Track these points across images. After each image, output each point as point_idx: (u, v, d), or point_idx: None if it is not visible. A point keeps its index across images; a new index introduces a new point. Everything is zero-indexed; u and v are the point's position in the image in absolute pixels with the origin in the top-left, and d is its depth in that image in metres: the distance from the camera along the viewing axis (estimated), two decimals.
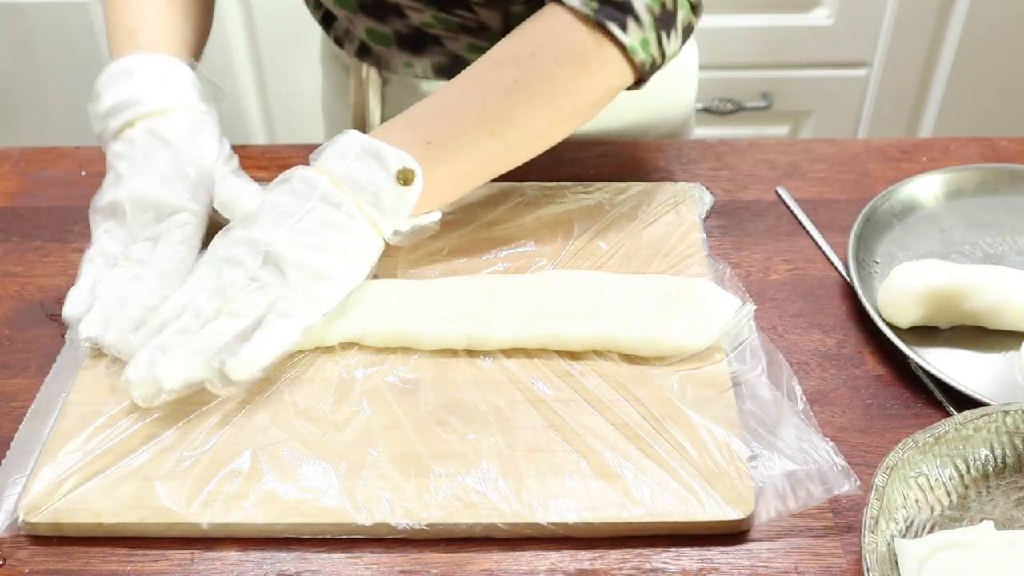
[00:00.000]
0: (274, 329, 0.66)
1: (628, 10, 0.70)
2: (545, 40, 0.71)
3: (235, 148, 0.94)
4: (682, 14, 0.74)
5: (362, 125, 1.01)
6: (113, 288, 0.71)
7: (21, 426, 0.66)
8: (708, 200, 0.84)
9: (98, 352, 0.70)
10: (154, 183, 0.73)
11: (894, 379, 0.71)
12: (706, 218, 0.83)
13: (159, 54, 0.79)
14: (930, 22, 1.74)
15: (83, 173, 0.91)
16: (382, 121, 0.99)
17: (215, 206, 0.74)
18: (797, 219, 0.85)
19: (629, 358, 0.69)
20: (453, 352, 0.70)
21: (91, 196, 0.88)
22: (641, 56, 0.72)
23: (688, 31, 0.76)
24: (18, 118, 1.87)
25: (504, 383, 0.68)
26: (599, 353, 0.70)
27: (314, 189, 0.70)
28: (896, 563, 0.57)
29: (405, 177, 0.69)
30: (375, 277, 0.76)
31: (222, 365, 0.64)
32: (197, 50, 0.86)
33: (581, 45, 0.71)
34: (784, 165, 0.91)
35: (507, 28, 0.87)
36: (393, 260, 0.77)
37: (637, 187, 0.85)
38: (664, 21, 0.72)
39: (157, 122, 0.75)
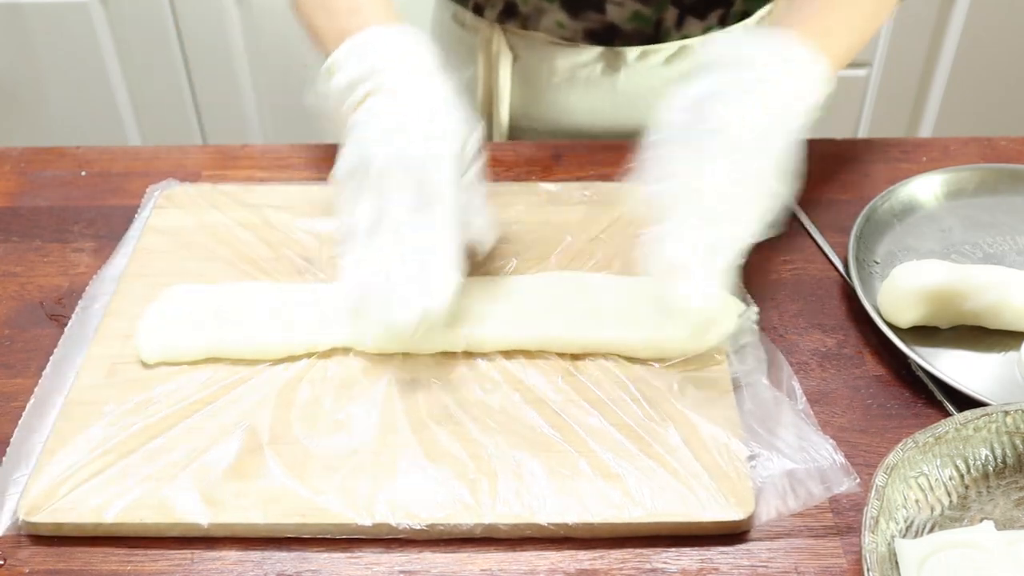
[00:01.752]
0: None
1: None
2: None
3: (235, 148, 0.94)
4: None
5: (489, 103, 1.00)
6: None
7: (19, 424, 0.66)
8: None
9: (98, 351, 0.70)
10: (411, 145, 0.68)
11: (894, 379, 0.71)
12: None
13: (395, 25, 0.74)
14: (930, 22, 1.74)
15: (83, 173, 0.91)
16: (512, 99, 0.99)
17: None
18: (798, 219, 0.85)
19: (630, 358, 0.69)
20: (452, 353, 0.70)
21: (91, 196, 0.88)
22: None
23: None
24: (18, 118, 1.87)
25: (504, 383, 0.68)
26: (600, 353, 0.69)
27: (750, 91, 0.69)
28: (896, 563, 0.57)
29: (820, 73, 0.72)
30: None
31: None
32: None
33: None
34: None
35: None
36: None
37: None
38: None
39: (406, 88, 0.71)
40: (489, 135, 1.03)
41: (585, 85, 0.96)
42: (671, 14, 0.92)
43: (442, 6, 1.04)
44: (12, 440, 0.65)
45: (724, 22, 0.94)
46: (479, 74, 1.00)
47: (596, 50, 0.95)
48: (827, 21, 0.75)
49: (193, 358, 0.69)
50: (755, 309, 0.70)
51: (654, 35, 0.94)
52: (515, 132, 1.03)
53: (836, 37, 0.75)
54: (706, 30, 0.94)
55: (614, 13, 0.92)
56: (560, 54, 0.95)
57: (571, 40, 0.95)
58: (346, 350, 0.70)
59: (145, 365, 0.69)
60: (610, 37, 0.94)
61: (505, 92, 0.99)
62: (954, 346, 0.72)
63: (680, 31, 0.94)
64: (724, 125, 0.67)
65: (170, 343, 0.69)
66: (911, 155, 0.92)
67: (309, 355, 0.70)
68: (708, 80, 0.70)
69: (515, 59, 0.98)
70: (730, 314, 0.70)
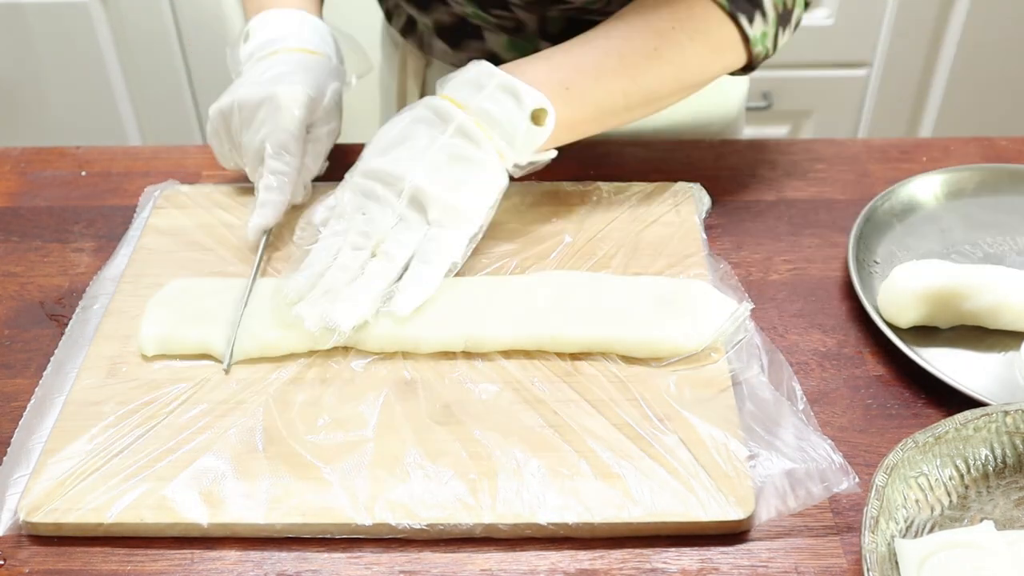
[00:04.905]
0: (420, 277, 0.70)
1: (757, 5, 0.77)
2: (683, 17, 0.76)
3: None
4: (797, 12, 0.81)
5: (403, 104, 1.02)
6: None
7: (19, 424, 0.66)
8: (708, 200, 0.84)
9: (98, 351, 0.70)
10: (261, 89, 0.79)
11: (894, 379, 0.71)
12: (706, 218, 0.83)
13: (293, 9, 0.86)
14: (930, 22, 1.74)
15: (83, 173, 0.91)
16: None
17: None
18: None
19: (628, 358, 0.69)
20: (452, 353, 0.70)
21: (91, 196, 0.88)
22: (759, 48, 0.79)
23: (796, 27, 0.82)
24: (18, 118, 1.87)
25: (503, 383, 0.68)
26: (599, 353, 0.70)
27: (448, 121, 0.72)
28: (896, 563, 0.57)
29: (537, 117, 0.72)
30: None
31: (385, 307, 0.69)
32: (318, 8, 0.91)
33: (715, 29, 0.77)
34: (784, 165, 0.91)
35: (543, 29, 0.89)
36: None
37: (637, 187, 0.85)
38: (784, 18, 0.79)
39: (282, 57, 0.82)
40: None
41: None
42: (545, 47, 0.91)
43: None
44: (12, 440, 0.65)
45: None
46: (395, 76, 1.01)
47: None
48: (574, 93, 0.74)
49: (192, 351, 0.70)
50: (748, 305, 0.70)
51: None
52: None
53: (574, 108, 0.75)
54: None
55: (492, 41, 0.91)
56: None
57: (459, 67, 0.95)
58: (346, 349, 0.70)
59: (145, 357, 0.70)
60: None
61: (414, 95, 1.00)
62: (954, 346, 0.72)
63: None
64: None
65: (170, 336, 0.70)
66: (911, 155, 0.92)
67: (310, 354, 0.70)
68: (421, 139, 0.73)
69: (427, 64, 0.99)
70: (723, 312, 0.70)
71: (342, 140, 0.88)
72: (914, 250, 0.80)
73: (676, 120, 0.98)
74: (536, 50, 0.91)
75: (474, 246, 0.74)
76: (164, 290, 0.74)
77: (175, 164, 0.92)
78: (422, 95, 1.00)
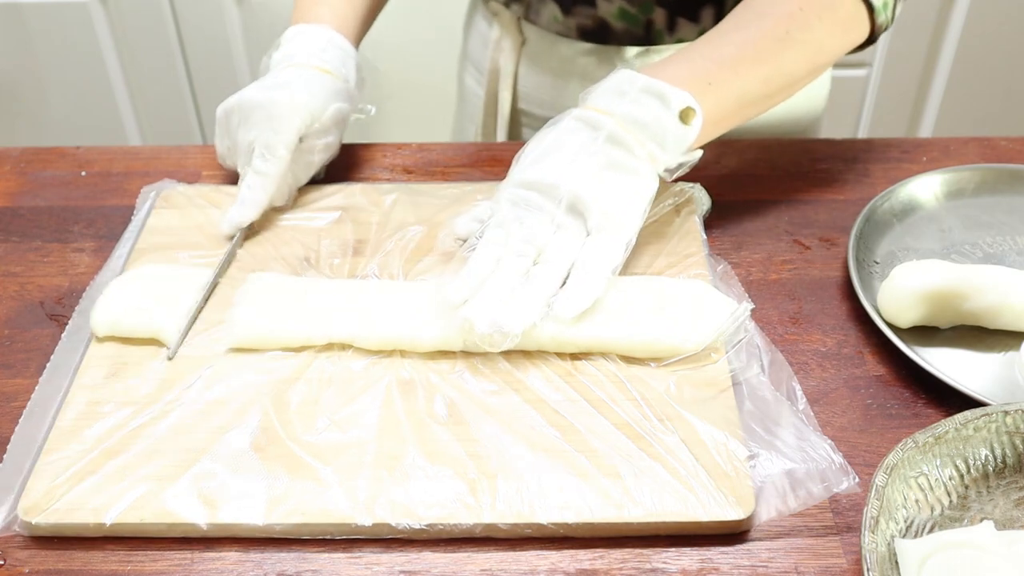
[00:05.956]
0: (584, 283, 0.70)
1: None
2: None
3: None
4: None
5: (495, 82, 1.03)
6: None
7: (19, 424, 0.66)
8: (708, 200, 0.84)
9: (98, 351, 0.70)
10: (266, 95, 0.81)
11: (894, 379, 0.71)
12: (706, 218, 0.83)
13: (325, 27, 0.89)
14: (930, 22, 1.75)
15: (83, 173, 0.91)
16: (515, 82, 1.02)
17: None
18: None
19: (628, 358, 0.69)
20: (452, 352, 0.70)
21: (91, 196, 0.88)
22: (882, 18, 0.78)
23: None
24: (18, 118, 1.87)
25: (504, 383, 0.68)
26: (599, 353, 0.69)
27: (598, 129, 0.72)
28: (896, 563, 0.57)
29: (685, 116, 0.72)
30: (376, 278, 0.76)
31: (551, 311, 0.69)
32: (357, 33, 0.93)
33: (841, 4, 0.76)
34: (784, 165, 0.91)
35: None
36: (391, 259, 0.77)
37: None
38: None
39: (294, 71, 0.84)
40: (494, 115, 1.06)
41: (581, 79, 0.96)
42: (660, 15, 0.91)
43: None
44: (12, 440, 0.65)
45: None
46: (489, 53, 1.01)
47: (592, 44, 0.96)
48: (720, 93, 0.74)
49: (141, 336, 0.71)
50: (748, 305, 0.70)
51: (645, 36, 0.93)
52: (517, 115, 1.04)
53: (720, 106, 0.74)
54: (701, 33, 0.92)
55: (604, 8, 0.92)
56: (562, 43, 0.96)
57: (566, 36, 0.95)
58: (344, 347, 0.70)
59: (139, 343, 0.70)
60: (603, 36, 0.94)
61: (507, 73, 1.00)
62: (954, 346, 0.72)
63: (674, 35, 0.93)
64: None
65: (120, 320, 0.71)
66: (911, 155, 0.92)
67: (308, 350, 0.70)
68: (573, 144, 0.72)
69: (524, 42, 0.98)
70: (722, 312, 0.70)
71: (389, 137, 0.90)
72: (914, 250, 0.80)
73: (762, 120, 0.99)
74: (648, 20, 0.91)
75: (629, 252, 0.73)
76: (129, 273, 0.75)
77: (175, 164, 0.92)
78: (515, 76, 1.01)
